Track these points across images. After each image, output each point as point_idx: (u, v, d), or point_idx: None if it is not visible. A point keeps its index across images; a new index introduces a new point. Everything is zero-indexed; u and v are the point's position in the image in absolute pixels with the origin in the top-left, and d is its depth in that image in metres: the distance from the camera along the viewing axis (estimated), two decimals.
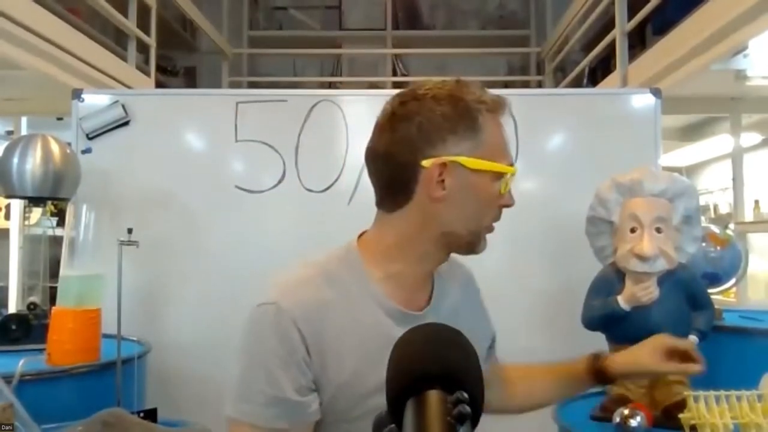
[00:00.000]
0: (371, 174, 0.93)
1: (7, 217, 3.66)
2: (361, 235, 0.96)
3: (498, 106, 0.90)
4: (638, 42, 3.26)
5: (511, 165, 0.91)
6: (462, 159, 0.86)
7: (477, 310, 1.06)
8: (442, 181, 0.86)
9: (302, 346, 0.83)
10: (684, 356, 1.08)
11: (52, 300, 1.95)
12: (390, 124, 0.89)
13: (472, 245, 0.92)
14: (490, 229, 0.93)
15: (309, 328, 0.84)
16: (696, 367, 1.07)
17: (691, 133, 3.87)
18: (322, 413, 0.86)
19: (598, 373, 1.07)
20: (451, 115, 0.86)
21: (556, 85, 4.74)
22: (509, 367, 1.14)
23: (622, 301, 1.35)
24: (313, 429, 0.87)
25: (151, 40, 3.53)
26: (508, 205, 0.92)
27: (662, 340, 1.09)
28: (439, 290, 0.96)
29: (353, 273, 0.90)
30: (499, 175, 0.89)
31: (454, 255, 0.96)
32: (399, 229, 0.91)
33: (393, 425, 0.53)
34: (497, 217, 0.93)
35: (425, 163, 0.86)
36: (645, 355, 1.07)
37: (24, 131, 3.43)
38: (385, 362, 0.86)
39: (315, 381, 0.85)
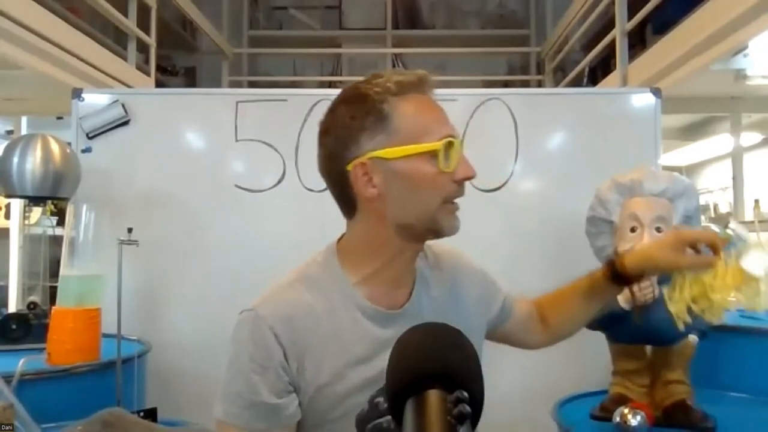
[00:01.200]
0: None
1: (7, 216, 3.65)
2: (340, 238, 0.97)
3: (405, 88, 0.87)
4: (638, 42, 3.26)
5: (443, 138, 0.85)
6: (377, 153, 0.85)
7: (468, 297, 1.01)
8: (370, 179, 0.86)
9: (279, 351, 0.85)
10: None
11: (52, 300, 1.95)
12: (319, 142, 0.91)
13: (434, 231, 0.89)
14: (451, 208, 0.89)
15: (287, 333, 0.85)
16: (714, 259, 0.97)
17: (691, 132, 3.86)
18: (302, 414, 0.87)
19: (617, 277, 1.02)
20: (357, 113, 0.86)
21: (556, 84, 4.73)
22: (542, 303, 1.14)
23: (622, 301, 1.35)
24: (297, 431, 0.88)
25: (151, 40, 3.53)
26: (466, 178, 0.88)
27: (679, 235, 1.00)
28: (420, 285, 0.95)
29: (332, 277, 0.92)
30: (431, 154, 0.85)
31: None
32: (361, 234, 0.92)
33: (388, 417, 0.53)
34: (456, 193, 0.88)
35: (348, 167, 0.86)
36: (660, 250, 1.00)
37: (24, 131, 3.44)
38: (365, 362, 0.85)
39: (294, 383, 0.86)
